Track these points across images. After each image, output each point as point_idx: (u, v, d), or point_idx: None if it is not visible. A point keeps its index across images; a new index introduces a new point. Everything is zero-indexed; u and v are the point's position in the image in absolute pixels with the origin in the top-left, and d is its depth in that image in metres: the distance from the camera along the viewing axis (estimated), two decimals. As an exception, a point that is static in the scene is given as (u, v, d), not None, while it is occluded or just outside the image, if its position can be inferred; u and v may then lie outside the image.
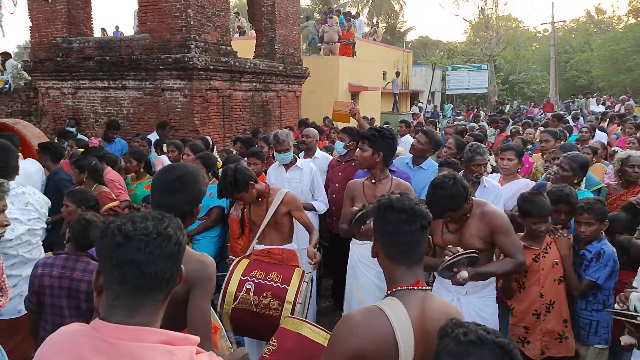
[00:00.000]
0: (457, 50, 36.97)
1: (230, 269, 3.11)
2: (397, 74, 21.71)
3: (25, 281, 2.85)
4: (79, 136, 7.91)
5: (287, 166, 4.56)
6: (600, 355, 3.06)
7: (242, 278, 3.01)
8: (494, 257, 2.95)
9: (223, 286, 2.99)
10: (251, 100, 10.74)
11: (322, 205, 4.49)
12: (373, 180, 3.47)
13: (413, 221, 1.62)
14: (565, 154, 3.84)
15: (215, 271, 1.95)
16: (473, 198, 2.89)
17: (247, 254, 3.34)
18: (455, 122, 14.22)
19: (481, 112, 19.95)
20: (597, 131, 7.99)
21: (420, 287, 1.61)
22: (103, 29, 17.86)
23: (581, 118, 13.12)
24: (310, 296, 3.34)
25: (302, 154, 5.32)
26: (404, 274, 1.62)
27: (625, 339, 2.25)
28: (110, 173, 4.70)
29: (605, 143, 7.13)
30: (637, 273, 2.53)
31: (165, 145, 6.43)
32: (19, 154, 3.58)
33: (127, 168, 5.22)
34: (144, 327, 1.14)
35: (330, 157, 5.26)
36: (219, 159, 5.48)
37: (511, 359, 1.19)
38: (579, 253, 3.10)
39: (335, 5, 31.14)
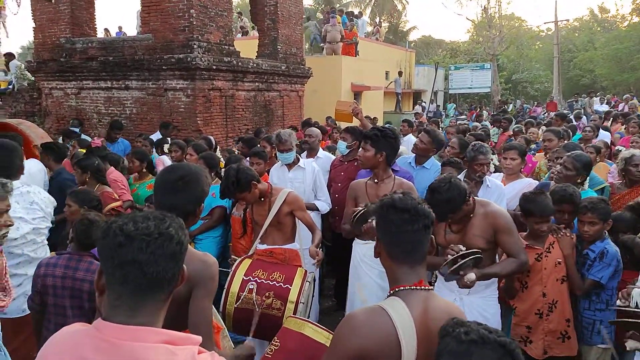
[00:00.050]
0: (460, 50, 36.88)
1: (233, 269, 3.12)
2: (400, 73, 21.71)
3: (30, 280, 2.86)
4: (82, 136, 7.93)
5: (290, 166, 4.56)
6: (603, 355, 3.05)
7: (245, 278, 3.02)
8: (497, 256, 2.94)
9: (225, 286, 2.99)
10: (254, 100, 10.74)
11: (324, 205, 4.49)
12: (376, 180, 3.47)
13: (416, 220, 1.62)
14: (569, 154, 3.83)
15: (218, 271, 1.95)
16: (476, 198, 2.89)
17: (249, 253, 3.34)
18: (458, 122, 14.19)
19: (484, 112, 19.93)
20: (601, 130, 7.96)
21: (422, 287, 1.61)
22: (106, 30, 17.92)
23: (584, 117, 13.07)
24: (313, 296, 3.34)
25: (304, 153, 5.32)
26: (406, 274, 1.62)
27: (631, 344, 2.22)
28: (113, 173, 4.71)
29: (609, 142, 7.11)
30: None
31: (165, 146, 6.44)
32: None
33: (129, 168, 5.23)
34: (145, 327, 1.14)
35: (333, 157, 5.26)
36: (221, 159, 5.49)
37: (513, 358, 1.18)
38: (582, 252, 3.09)
39: (338, 5, 31.15)
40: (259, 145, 5.44)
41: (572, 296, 3.07)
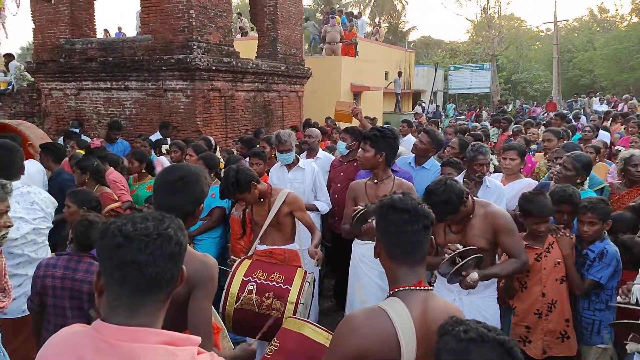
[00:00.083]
0: (460, 50, 36.91)
1: (233, 269, 3.12)
2: (400, 73, 21.70)
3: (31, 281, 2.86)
4: (82, 137, 7.92)
5: (290, 166, 4.56)
6: (603, 355, 3.05)
7: (245, 279, 3.01)
8: (496, 256, 2.94)
9: (225, 287, 2.99)
10: (253, 101, 10.75)
11: (324, 206, 4.49)
12: (375, 181, 3.47)
13: (416, 221, 1.62)
14: (568, 154, 3.83)
15: (218, 272, 1.95)
16: (476, 198, 2.89)
17: (249, 254, 3.34)
18: (458, 122, 14.20)
19: (483, 112, 19.93)
20: (600, 130, 7.97)
21: (422, 288, 1.61)
22: (106, 30, 17.93)
23: (583, 117, 13.07)
24: (313, 296, 3.34)
25: (304, 154, 5.32)
26: (406, 274, 1.62)
27: (632, 346, 2.20)
28: (112, 174, 4.71)
29: (609, 142, 7.11)
30: (639, 272, 2.51)
31: (164, 146, 6.44)
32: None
33: (129, 169, 5.23)
34: (144, 328, 1.14)
35: (333, 157, 5.26)
36: (221, 160, 5.49)
37: (511, 357, 1.18)
38: (581, 253, 3.09)
39: (338, 5, 31.16)
40: (258, 146, 5.44)
41: (572, 296, 3.07)
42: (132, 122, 9.69)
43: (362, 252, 3.46)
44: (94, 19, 10.94)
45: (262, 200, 3.37)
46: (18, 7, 7.83)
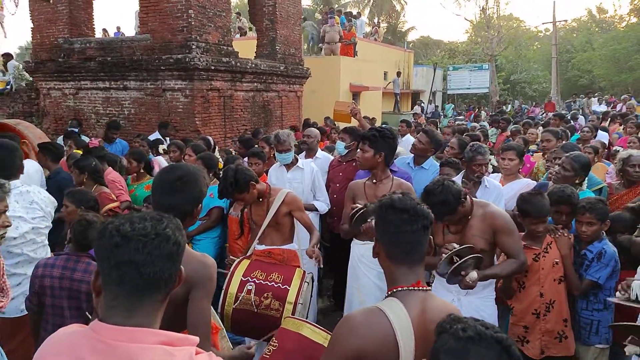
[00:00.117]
0: (459, 50, 36.95)
1: (231, 269, 3.11)
2: (398, 74, 21.71)
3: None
4: (81, 137, 7.91)
5: (288, 166, 4.56)
6: (601, 355, 3.05)
7: (243, 279, 3.01)
8: (495, 257, 2.94)
9: (224, 287, 2.99)
10: (252, 101, 10.74)
11: (323, 206, 4.49)
12: (374, 181, 3.47)
13: (415, 221, 1.62)
14: (567, 154, 3.83)
15: (216, 272, 1.95)
16: (474, 199, 2.89)
17: (248, 254, 3.34)
18: (456, 122, 14.20)
19: (482, 112, 19.94)
20: (599, 131, 7.97)
21: (420, 288, 1.61)
22: (104, 30, 17.92)
23: (581, 118, 13.09)
24: (311, 296, 3.34)
25: (303, 154, 5.32)
26: (405, 274, 1.62)
27: (630, 349, 2.20)
28: (111, 174, 4.71)
29: (607, 143, 7.12)
30: (637, 272, 2.51)
31: (161, 146, 6.43)
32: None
33: (127, 169, 5.22)
34: (142, 328, 1.13)
35: (332, 157, 5.26)
36: (220, 160, 5.48)
37: (509, 355, 1.18)
38: (580, 253, 3.09)
39: (337, 5, 31.14)
40: (257, 146, 5.44)
41: (570, 296, 3.07)
42: (131, 122, 9.69)
43: (361, 252, 3.46)
44: (93, 19, 10.92)
45: (260, 200, 3.37)
46: (17, 6, 7.84)
